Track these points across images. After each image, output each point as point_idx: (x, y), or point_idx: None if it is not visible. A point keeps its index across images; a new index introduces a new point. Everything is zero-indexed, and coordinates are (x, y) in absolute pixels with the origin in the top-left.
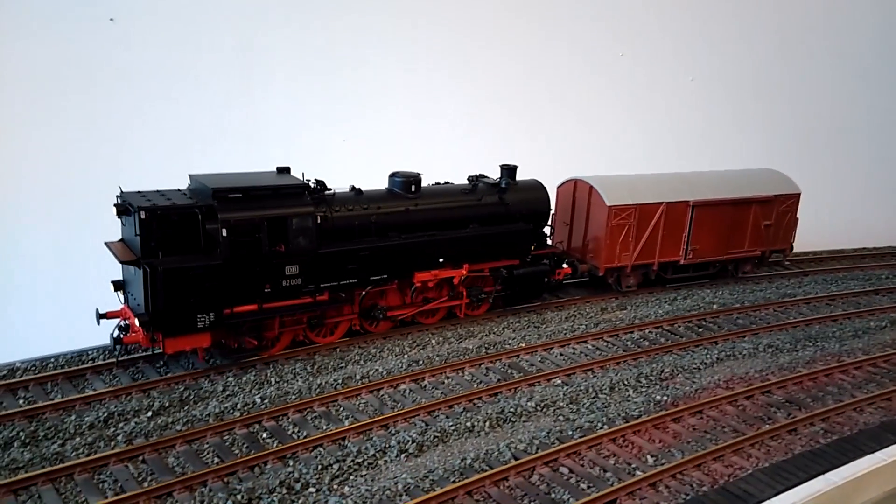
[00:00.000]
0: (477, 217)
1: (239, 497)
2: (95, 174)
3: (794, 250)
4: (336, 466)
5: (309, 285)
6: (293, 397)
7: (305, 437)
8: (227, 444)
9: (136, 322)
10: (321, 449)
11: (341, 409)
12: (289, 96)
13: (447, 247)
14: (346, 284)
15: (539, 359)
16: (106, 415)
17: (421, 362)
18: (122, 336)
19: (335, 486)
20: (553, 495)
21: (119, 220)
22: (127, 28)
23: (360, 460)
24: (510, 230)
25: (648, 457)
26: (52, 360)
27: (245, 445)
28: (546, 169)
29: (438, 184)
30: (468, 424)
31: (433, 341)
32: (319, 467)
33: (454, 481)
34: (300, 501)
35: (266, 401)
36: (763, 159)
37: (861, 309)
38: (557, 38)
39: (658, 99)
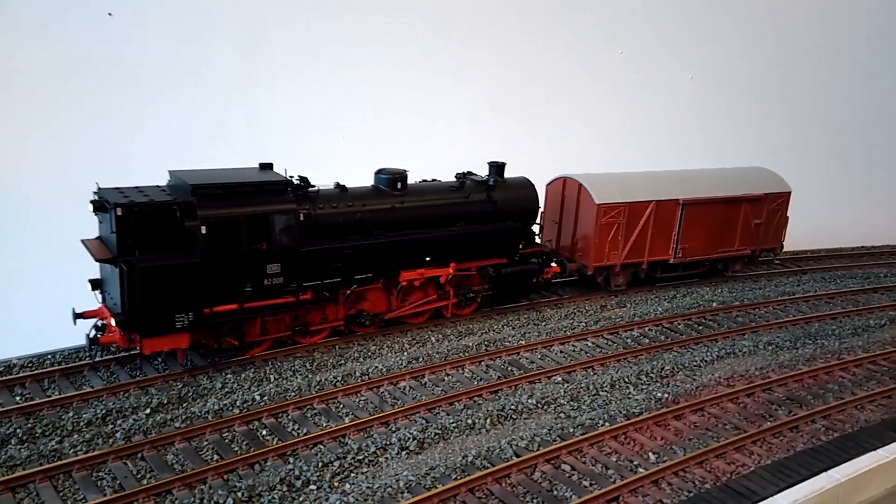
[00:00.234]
0: (464, 215)
1: (239, 494)
2: (96, 171)
3: (792, 248)
4: (337, 464)
5: (291, 284)
6: (293, 394)
7: (306, 434)
8: (226, 441)
9: (113, 322)
10: (322, 446)
11: (341, 406)
12: (286, 93)
13: (434, 245)
14: (330, 283)
15: (539, 356)
16: (104, 412)
17: (421, 359)
18: (98, 336)
19: (336, 484)
20: (555, 492)
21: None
22: (126, 23)
23: (360, 457)
24: (498, 228)
25: (650, 454)
26: (49, 356)
27: (245, 442)
28: (535, 166)
29: (425, 181)
30: (469, 421)
31: (433, 338)
32: (320, 464)
33: (456, 478)
34: (301, 499)
35: (265, 398)
36: (756, 157)
37: (860, 307)
38: (548, 35)
39: (649, 97)
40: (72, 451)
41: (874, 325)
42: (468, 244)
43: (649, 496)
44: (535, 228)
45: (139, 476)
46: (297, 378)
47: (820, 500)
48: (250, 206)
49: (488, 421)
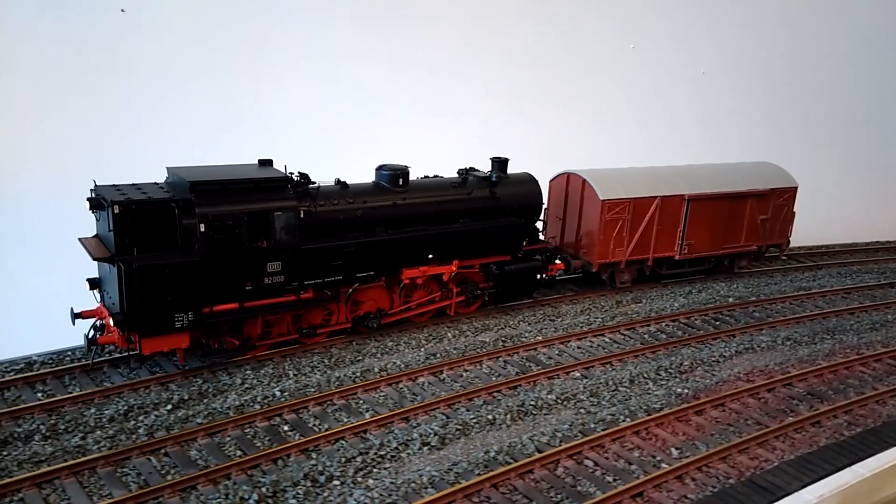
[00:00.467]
0: (467, 211)
1: (264, 490)
2: (94, 168)
3: (800, 244)
4: (359, 459)
5: (292, 283)
6: (312, 390)
7: (327, 430)
8: (248, 436)
9: (112, 322)
10: (343, 441)
11: (361, 401)
12: (286, 90)
13: (436, 242)
14: (332, 282)
15: (557, 352)
16: (126, 408)
17: (438, 355)
18: (96, 336)
19: (359, 479)
20: (579, 488)
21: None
22: (125, 19)
23: (382, 453)
24: (501, 225)
25: (673, 449)
26: (69, 353)
27: (267, 438)
28: (538, 162)
29: (427, 177)
30: (489, 417)
31: (449, 334)
32: (343, 460)
33: (479, 474)
34: (325, 494)
35: (286, 394)
36: (763, 152)
37: (877, 302)
38: (552, 30)
39: (658, 91)
40: (95, 447)
41: (892, 320)
42: (471, 241)
43: (674, 491)
44: (539, 225)
45: (163, 472)
46: (315, 374)
47: (845, 495)
48: (250, 203)
49: (508, 417)
